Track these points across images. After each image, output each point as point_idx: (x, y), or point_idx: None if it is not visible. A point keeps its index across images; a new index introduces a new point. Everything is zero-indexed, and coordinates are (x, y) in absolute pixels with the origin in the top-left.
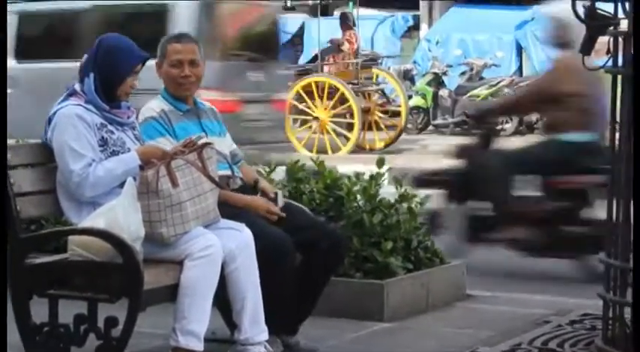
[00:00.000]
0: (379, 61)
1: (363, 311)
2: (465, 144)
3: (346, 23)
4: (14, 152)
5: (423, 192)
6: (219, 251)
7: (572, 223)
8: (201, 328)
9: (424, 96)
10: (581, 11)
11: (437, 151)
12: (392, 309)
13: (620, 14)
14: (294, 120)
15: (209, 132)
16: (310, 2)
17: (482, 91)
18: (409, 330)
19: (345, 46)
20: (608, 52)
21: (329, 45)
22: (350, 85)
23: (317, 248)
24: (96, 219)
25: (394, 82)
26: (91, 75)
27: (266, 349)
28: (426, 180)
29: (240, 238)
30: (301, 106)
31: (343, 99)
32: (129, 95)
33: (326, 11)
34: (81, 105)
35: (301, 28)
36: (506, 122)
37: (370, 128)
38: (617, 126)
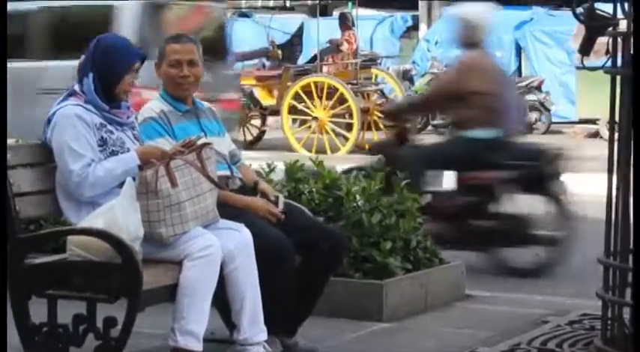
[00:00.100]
0: (378, 61)
1: (362, 312)
2: (381, 141)
3: (345, 23)
4: (13, 152)
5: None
6: (219, 251)
7: (481, 217)
8: (200, 328)
9: None
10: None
11: None
12: (391, 309)
13: (620, 15)
14: (294, 120)
15: (208, 133)
16: (309, 2)
17: None
18: (408, 330)
19: (344, 47)
20: (607, 52)
21: (328, 45)
22: (349, 85)
23: (317, 248)
24: (95, 219)
25: (393, 82)
26: (90, 75)
27: (265, 349)
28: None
29: (239, 238)
30: (300, 106)
31: (342, 100)
32: (128, 94)
33: (325, 11)
34: (80, 105)
35: (300, 29)
36: None
37: (369, 128)
38: (617, 127)
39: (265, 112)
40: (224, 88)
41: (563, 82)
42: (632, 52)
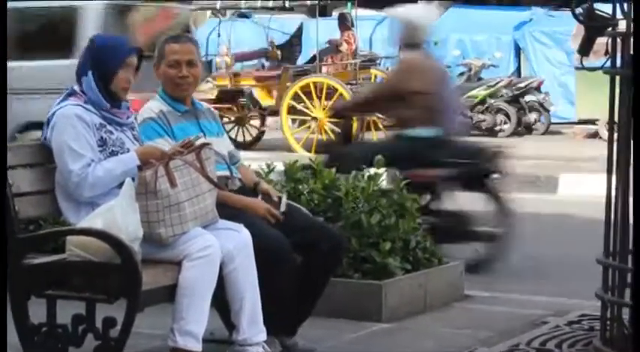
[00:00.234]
0: (377, 61)
1: (361, 312)
2: (327, 140)
3: (344, 24)
4: (13, 152)
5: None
6: (218, 251)
7: (423, 214)
8: (199, 328)
9: None
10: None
11: None
12: (390, 310)
13: (619, 15)
14: (293, 121)
15: (207, 133)
16: (308, 3)
17: (480, 92)
18: (407, 331)
19: (344, 47)
20: (606, 53)
21: (327, 45)
22: (348, 86)
23: (316, 249)
24: (94, 220)
25: None
26: (89, 73)
27: (264, 349)
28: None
29: (238, 239)
30: (299, 107)
31: (341, 100)
32: (126, 91)
33: (324, 12)
34: (80, 105)
35: (299, 29)
36: (505, 123)
37: (368, 128)
38: (616, 127)
39: (264, 113)
40: None
41: (562, 83)
42: (632, 52)
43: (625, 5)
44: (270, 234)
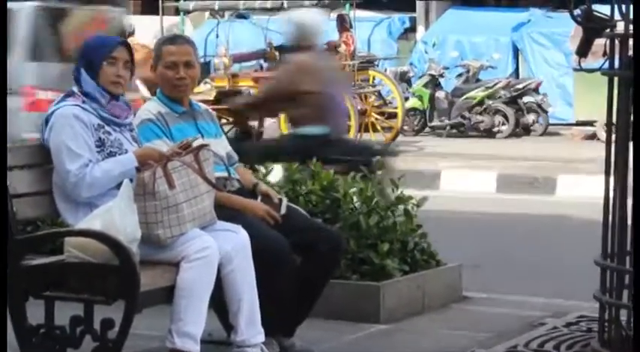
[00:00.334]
0: (376, 62)
1: (359, 313)
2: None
3: (343, 25)
4: (11, 153)
5: (419, 194)
6: (216, 252)
7: None
8: (197, 330)
9: (421, 98)
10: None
11: (434, 153)
12: (388, 311)
13: (617, 16)
14: None
15: (205, 134)
16: (307, 3)
17: (478, 93)
18: (405, 332)
19: (342, 48)
20: (604, 54)
21: (325, 47)
22: None
23: (315, 250)
24: (92, 221)
25: (391, 84)
26: (81, 70)
27: (262, 351)
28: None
29: (236, 240)
30: None
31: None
32: (117, 86)
33: None
34: (78, 105)
35: None
36: (503, 124)
37: (367, 130)
38: (614, 129)
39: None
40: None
41: (560, 84)
42: (631, 53)
43: (623, 7)
44: (270, 235)
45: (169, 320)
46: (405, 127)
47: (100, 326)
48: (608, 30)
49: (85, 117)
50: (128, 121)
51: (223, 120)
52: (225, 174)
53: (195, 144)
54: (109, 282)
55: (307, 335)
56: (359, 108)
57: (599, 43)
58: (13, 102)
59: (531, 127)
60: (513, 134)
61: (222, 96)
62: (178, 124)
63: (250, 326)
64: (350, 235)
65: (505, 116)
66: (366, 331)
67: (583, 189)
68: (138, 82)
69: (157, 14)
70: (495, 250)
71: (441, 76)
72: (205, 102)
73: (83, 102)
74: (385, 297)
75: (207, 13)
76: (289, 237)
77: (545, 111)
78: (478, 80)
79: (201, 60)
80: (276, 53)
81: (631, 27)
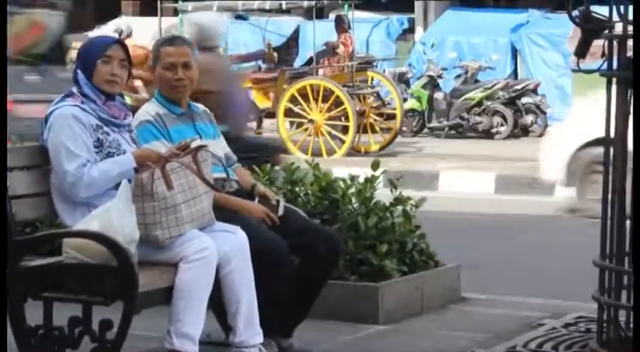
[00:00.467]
0: (374, 63)
1: (357, 314)
2: None
3: (341, 26)
4: (10, 154)
5: (417, 195)
6: (214, 253)
7: None
8: (196, 331)
9: (419, 99)
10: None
11: (432, 154)
12: (387, 312)
13: (615, 17)
14: (290, 123)
15: (204, 135)
16: (305, 4)
17: (477, 94)
18: (404, 333)
19: (341, 49)
20: (603, 55)
21: (324, 48)
22: (345, 88)
23: (313, 251)
24: (90, 222)
25: (389, 85)
26: (78, 71)
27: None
28: None
29: (235, 241)
30: (296, 109)
31: (338, 102)
32: (112, 85)
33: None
34: (77, 105)
35: (296, 31)
36: (501, 125)
37: (365, 131)
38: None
39: (261, 115)
40: (58, 90)
41: (559, 85)
42: (629, 54)
43: (621, 7)
44: (268, 236)
45: (168, 321)
46: (404, 128)
47: (98, 327)
48: (606, 31)
49: (83, 117)
50: (127, 122)
51: None
52: (224, 175)
53: (193, 145)
54: (107, 283)
55: (306, 336)
56: (357, 109)
57: (598, 44)
58: None
59: (530, 128)
60: (512, 135)
61: None
62: (176, 126)
63: (249, 327)
64: (348, 236)
65: (504, 117)
66: (364, 332)
67: None
68: (137, 83)
69: (156, 15)
70: (494, 251)
71: (440, 77)
72: None
73: (82, 102)
74: (384, 298)
75: None
76: (287, 238)
77: (544, 112)
78: (477, 81)
79: None
80: (275, 54)
81: (629, 28)
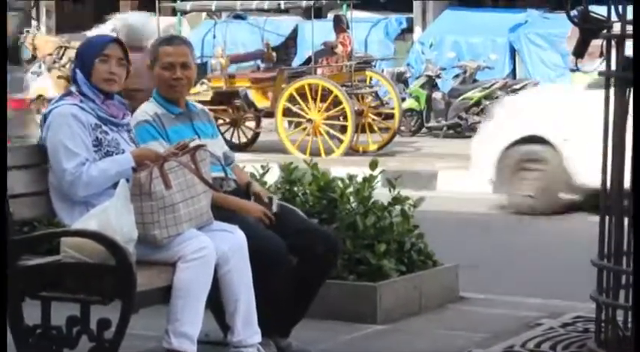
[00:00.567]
0: (373, 63)
1: (356, 314)
2: None
3: (340, 26)
4: (9, 153)
5: (415, 195)
6: (213, 253)
7: None
8: (194, 330)
9: (418, 99)
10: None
11: (430, 154)
12: (385, 311)
13: (614, 17)
14: (288, 123)
15: (202, 135)
16: (304, 4)
17: (475, 94)
18: (402, 332)
19: (339, 49)
20: (601, 55)
21: (322, 47)
22: (343, 88)
23: (311, 252)
24: (88, 221)
25: (388, 85)
26: (77, 70)
27: (259, 351)
28: None
29: (233, 240)
30: (295, 108)
31: (337, 102)
32: (110, 83)
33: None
34: (76, 104)
35: (295, 31)
36: None
37: (363, 130)
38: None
39: (260, 114)
40: (13, 88)
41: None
42: (627, 54)
43: (620, 7)
44: (266, 236)
45: (166, 321)
46: (402, 128)
47: (96, 327)
48: (604, 31)
49: (82, 116)
50: (125, 121)
51: (220, 121)
52: (222, 175)
53: (192, 144)
54: (105, 282)
55: (304, 336)
56: (356, 108)
57: (596, 43)
58: None
59: None
60: None
61: (218, 97)
62: (174, 126)
63: (247, 326)
64: (347, 235)
65: None
66: (362, 331)
67: None
68: None
69: (154, 15)
70: (492, 251)
71: (438, 76)
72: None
73: (81, 101)
74: (382, 298)
75: (204, 14)
76: (286, 237)
77: None
78: (475, 81)
79: (198, 60)
80: (273, 54)
81: (627, 27)
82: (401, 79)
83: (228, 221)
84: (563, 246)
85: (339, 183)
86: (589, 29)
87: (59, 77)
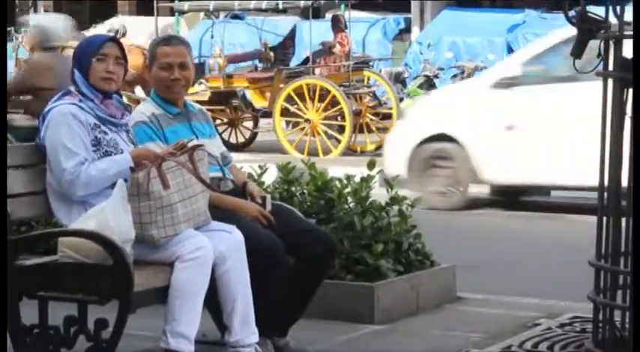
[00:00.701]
0: (371, 63)
1: (353, 314)
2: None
3: (338, 26)
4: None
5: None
6: (210, 253)
7: None
8: (191, 330)
9: (415, 99)
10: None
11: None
12: (382, 312)
13: (611, 18)
14: (286, 123)
15: (199, 135)
16: (302, 4)
17: None
18: (399, 332)
19: (337, 49)
20: (598, 55)
21: (320, 47)
22: (341, 88)
23: (309, 252)
24: (86, 221)
25: (385, 85)
26: (75, 70)
27: (257, 351)
28: None
29: (230, 240)
30: (293, 108)
31: (334, 102)
32: (108, 83)
33: (317, 14)
34: (75, 104)
35: (293, 31)
36: None
37: (361, 130)
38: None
39: (257, 114)
40: None
41: None
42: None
43: (617, 8)
44: (264, 236)
45: (163, 321)
46: None
47: (93, 326)
48: (602, 31)
49: (81, 115)
50: (124, 121)
51: (218, 121)
52: (220, 175)
53: (189, 144)
54: (102, 282)
55: (301, 336)
56: (354, 108)
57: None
58: None
59: None
60: None
61: (216, 97)
62: (172, 126)
63: (244, 326)
64: (344, 235)
65: None
66: (360, 331)
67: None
68: (137, 89)
69: (152, 15)
70: (490, 251)
71: (436, 76)
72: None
73: (80, 100)
74: (379, 298)
75: (202, 14)
76: (283, 237)
77: None
78: None
79: (196, 60)
80: (271, 54)
81: (626, 28)
82: (399, 79)
83: (225, 221)
84: (560, 246)
85: (337, 183)
86: (587, 29)
87: None
